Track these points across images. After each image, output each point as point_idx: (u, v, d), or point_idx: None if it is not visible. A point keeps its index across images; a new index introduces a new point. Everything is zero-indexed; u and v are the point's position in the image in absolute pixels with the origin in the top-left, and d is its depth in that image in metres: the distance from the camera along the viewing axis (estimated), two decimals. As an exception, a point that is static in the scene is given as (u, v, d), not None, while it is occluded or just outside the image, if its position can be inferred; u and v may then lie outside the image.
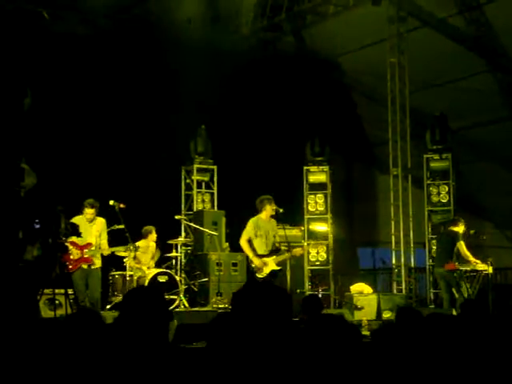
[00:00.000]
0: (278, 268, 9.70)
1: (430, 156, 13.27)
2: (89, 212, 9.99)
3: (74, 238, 9.77)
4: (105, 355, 2.90)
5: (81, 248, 9.95)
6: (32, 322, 6.82)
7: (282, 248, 9.87)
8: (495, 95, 13.21)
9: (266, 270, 9.59)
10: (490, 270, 10.69)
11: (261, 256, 9.65)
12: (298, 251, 10.05)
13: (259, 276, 9.58)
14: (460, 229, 10.89)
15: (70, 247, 9.87)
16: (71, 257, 9.88)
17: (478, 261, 10.60)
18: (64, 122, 11.88)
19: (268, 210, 9.70)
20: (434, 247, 12.65)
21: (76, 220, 9.95)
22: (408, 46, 13.25)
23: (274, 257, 9.67)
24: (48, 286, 9.18)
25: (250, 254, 9.65)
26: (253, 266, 9.69)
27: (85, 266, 9.99)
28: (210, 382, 2.63)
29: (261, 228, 9.72)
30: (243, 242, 9.76)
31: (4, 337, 3.66)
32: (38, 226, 8.43)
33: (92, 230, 10.08)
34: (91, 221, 10.05)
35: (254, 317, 2.77)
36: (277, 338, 2.76)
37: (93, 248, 10.03)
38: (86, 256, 9.99)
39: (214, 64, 12.79)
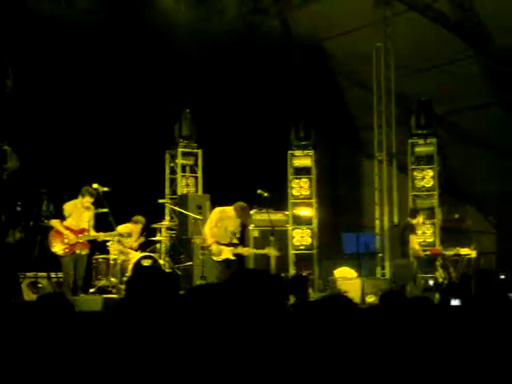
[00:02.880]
0: (233, 258, 9.77)
1: (415, 141, 13.28)
2: (89, 200, 9.98)
3: (67, 223, 9.76)
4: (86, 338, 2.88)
5: (76, 233, 9.92)
6: (14, 305, 6.78)
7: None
8: (480, 80, 13.21)
9: (222, 256, 9.71)
10: (474, 254, 10.78)
11: (219, 243, 9.78)
12: (272, 251, 10.15)
13: (215, 259, 9.73)
14: (417, 220, 10.96)
15: (66, 232, 9.83)
16: (66, 241, 9.84)
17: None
18: (47, 104, 11.76)
19: (238, 214, 9.73)
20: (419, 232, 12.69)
21: (70, 204, 9.93)
22: (394, 31, 13.22)
23: (232, 248, 9.78)
24: (31, 269, 9.13)
25: (210, 241, 9.79)
26: (210, 249, 9.84)
27: (78, 251, 9.98)
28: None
29: (221, 220, 9.82)
30: (206, 230, 9.91)
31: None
32: (19, 209, 8.38)
33: (84, 216, 10.06)
34: (87, 208, 10.04)
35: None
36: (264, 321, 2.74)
37: (86, 233, 10.01)
38: (81, 241, 9.98)
39: (199, 46, 12.70)
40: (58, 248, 9.81)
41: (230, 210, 9.83)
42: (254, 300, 2.84)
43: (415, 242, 10.79)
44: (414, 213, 11.10)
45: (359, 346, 2.89)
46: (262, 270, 3.15)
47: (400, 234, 11.16)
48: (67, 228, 9.88)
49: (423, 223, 11.15)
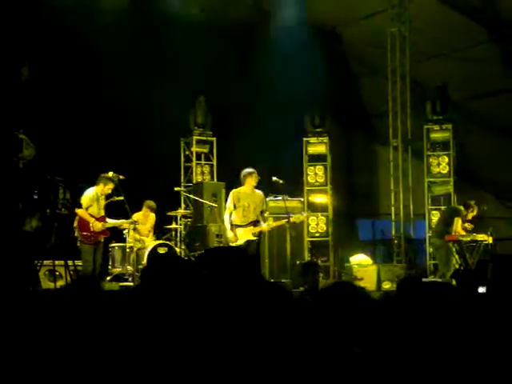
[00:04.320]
0: (255, 238, 9.76)
1: (431, 127, 13.21)
2: (111, 187, 10.04)
3: (90, 211, 9.86)
4: (107, 322, 2.89)
5: (100, 220, 10.00)
6: (32, 293, 6.82)
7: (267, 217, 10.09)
8: (497, 66, 13.10)
9: (241, 241, 9.68)
10: (490, 240, 10.74)
11: (238, 226, 9.76)
12: (296, 218, 10.12)
13: (232, 246, 9.68)
14: (468, 212, 10.97)
15: (93, 220, 9.90)
16: (92, 229, 9.91)
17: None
18: (63, 92, 11.79)
19: (249, 182, 9.79)
20: (434, 218, 12.68)
21: (91, 193, 10.00)
22: (409, 16, 13.12)
23: (251, 227, 9.72)
24: (48, 257, 9.18)
25: (225, 226, 9.88)
26: (225, 236, 9.94)
27: (101, 239, 10.07)
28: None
29: (240, 200, 9.80)
30: (224, 216, 9.96)
31: (4, 307, 3.65)
32: (36, 197, 8.42)
33: (102, 204, 10.13)
34: (106, 195, 10.12)
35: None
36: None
37: (107, 221, 10.11)
38: (104, 229, 10.07)
39: (214, 34, 12.67)
40: (85, 235, 9.90)
41: (244, 187, 9.83)
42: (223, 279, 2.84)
43: (460, 225, 10.84)
44: (468, 207, 11.11)
45: (366, 335, 2.87)
46: (234, 249, 3.16)
47: (446, 216, 11.20)
48: (92, 216, 9.98)
49: (472, 219, 11.17)
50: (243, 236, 9.71)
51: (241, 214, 9.79)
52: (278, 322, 2.72)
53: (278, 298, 2.89)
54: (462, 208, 11.16)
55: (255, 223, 9.79)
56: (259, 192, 9.94)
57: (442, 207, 12.72)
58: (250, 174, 9.81)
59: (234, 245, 9.67)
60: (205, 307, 2.74)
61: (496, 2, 12.40)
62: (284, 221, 10.04)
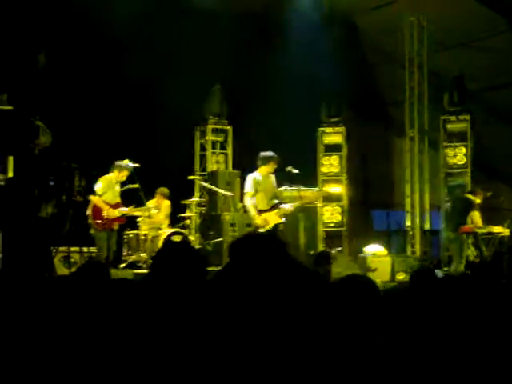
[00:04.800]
0: (281, 221, 9.62)
1: (447, 117, 13.13)
2: (126, 174, 10.07)
3: (104, 198, 9.88)
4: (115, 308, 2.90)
5: (114, 208, 10.03)
6: (47, 279, 6.87)
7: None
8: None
9: (269, 225, 9.50)
10: (507, 232, 10.68)
11: (262, 211, 9.56)
12: (307, 198, 10.06)
13: (263, 231, 9.42)
14: (477, 199, 10.88)
15: (107, 207, 9.93)
16: (106, 216, 9.93)
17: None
18: (79, 80, 11.80)
19: (271, 167, 9.60)
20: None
21: (106, 180, 10.02)
22: (427, 5, 13.00)
23: (276, 210, 9.60)
24: (63, 243, 9.23)
25: (253, 212, 9.54)
26: (253, 223, 9.61)
27: (116, 227, 10.10)
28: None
29: (260, 184, 9.60)
30: (246, 202, 9.67)
31: (19, 293, 3.67)
32: (52, 184, 8.46)
33: (117, 191, 10.17)
34: (121, 182, 10.15)
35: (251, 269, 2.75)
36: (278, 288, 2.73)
37: (121, 208, 10.13)
38: (118, 215, 10.10)
39: (229, 22, 12.63)
40: (99, 223, 9.93)
41: (261, 170, 9.63)
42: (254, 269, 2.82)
43: (479, 217, 10.78)
44: (475, 192, 11.03)
45: (374, 329, 2.85)
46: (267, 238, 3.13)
47: (459, 208, 11.14)
48: (106, 203, 10.00)
49: (485, 195, 11.08)
50: (271, 220, 9.53)
51: (264, 198, 9.59)
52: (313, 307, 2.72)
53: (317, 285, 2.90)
54: (473, 198, 10.99)
55: (278, 205, 9.63)
56: (272, 175, 9.83)
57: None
58: (273, 158, 9.57)
59: (263, 230, 9.40)
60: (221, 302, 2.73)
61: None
62: (300, 202, 9.78)
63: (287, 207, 9.66)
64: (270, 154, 9.66)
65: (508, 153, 13.59)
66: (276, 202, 9.69)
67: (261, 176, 9.66)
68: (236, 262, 2.87)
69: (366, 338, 2.71)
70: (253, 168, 9.89)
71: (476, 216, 10.80)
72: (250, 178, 9.65)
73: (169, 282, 2.87)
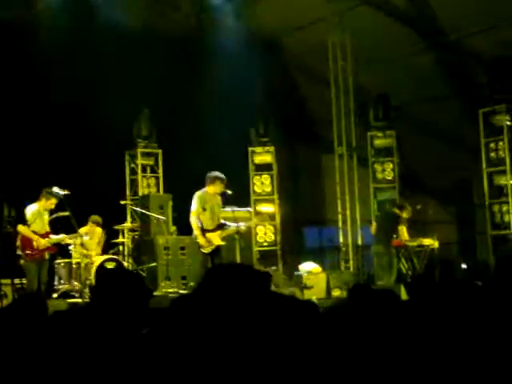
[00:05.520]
0: (223, 243, 9.63)
1: (374, 133, 13.40)
2: (54, 202, 9.82)
3: (33, 227, 9.63)
4: (52, 340, 2.82)
5: (43, 237, 9.77)
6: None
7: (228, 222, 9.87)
8: (436, 73, 13.36)
9: (211, 246, 9.48)
10: (436, 244, 10.93)
11: (207, 231, 9.52)
12: (242, 227, 9.99)
13: (204, 251, 9.47)
14: (404, 214, 11.08)
15: (36, 237, 9.67)
16: (35, 246, 9.67)
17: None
18: (4, 108, 11.55)
19: (217, 187, 9.59)
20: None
21: (34, 209, 9.77)
22: (349, 24, 13.27)
23: (219, 232, 9.60)
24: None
25: (197, 232, 9.48)
26: (197, 241, 9.54)
27: (47, 256, 9.85)
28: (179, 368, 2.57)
29: (207, 202, 9.57)
30: (192, 219, 9.56)
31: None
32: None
33: (46, 219, 9.92)
34: (49, 211, 9.91)
35: (217, 300, 2.71)
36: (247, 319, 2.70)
37: (51, 237, 9.89)
38: (48, 245, 9.85)
39: (153, 45, 12.60)
40: (28, 254, 9.66)
41: (208, 189, 9.58)
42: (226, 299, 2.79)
43: (405, 231, 10.96)
44: (402, 208, 11.21)
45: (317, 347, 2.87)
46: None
47: (387, 222, 11.29)
48: (35, 233, 9.73)
49: (414, 208, 11.29)
50: (213, 241, 9.50)
51: (209, 218, 9.55)
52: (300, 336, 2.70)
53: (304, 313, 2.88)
54: (398, 212, 11.20)
55: (222, 226, 9.65)
56: (218, 196, 9.78)
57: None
58: (222, 179, 9.56)
59: (204, 251, 9.42)
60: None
61: (430, 12, 12.64)
62: (235, 229, 9.82)
63: (230, 229, 9.67)
64: (215, 174, 9.66)
65: (432, 166, 13.97)
66: (222, 222, 9.69)
67: (208, 194, 9.63)
68: (205, 290, 2.83)
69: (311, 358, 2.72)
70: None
71: (403, 230, 11.02)
72: (197, 196, 9.61)
73: (111, 309, 2.82)
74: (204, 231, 9.50)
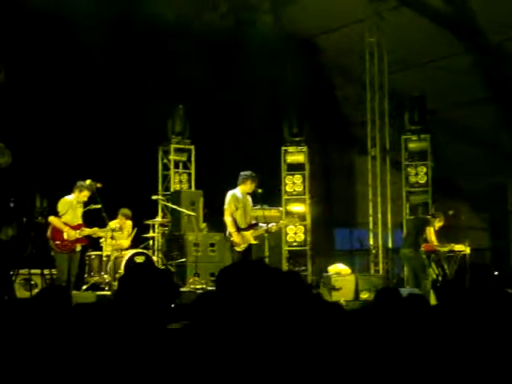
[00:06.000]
0: (256, 242, 9.69)
1: (408, 137, 13.28)
2: (87, 195, 9.91)
3: (64, 219, 9.71)
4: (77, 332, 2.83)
5: (75, 229, 9.85)
6: (6, 302, 6.72)
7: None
8: (473, 76, 13.21)
9: (245, 244, 9.55)
10: (468, 250, 10.80)
11: (241, 229, 9.58)
12: (273, 227, 10.01)
13: (238, 250, 9.55)
14: (435, 222, 10.99)
15: (66, 228, 9.76)
16: (66, 237, 9.75)
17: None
18: (40, 100, 11.68)
19: (248, 186, 9.64)
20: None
21: (66, 201, 9.86)
22: (387, 26, 13.19)
23: (252, 231, 9.64)
24: (23, 265, 9.07)
25: (232, 229, 9.55)
26: (232, 239, 9.61)
27: (78, 248, 9.93)
28: (198, 363, 2.57)
29: (239, 201, 9.64)
30: (227, 218, 9.62)
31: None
32: (12, 205, 8.32)
33: (79, 212, 10.00)
34: (83, 203, 10.00)
35: (238, 296, 2.70)
36: (267, 319, 2.69)
37: (83, 229, 9.97)
38: (79, 237, 9.93)
39: (191, 43, 12.64)
40: (58, 244, 9.75)
41: (240, 188, 9.65)
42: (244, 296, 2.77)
43: (433, 234, 10.87)
44: (435, 216, 11.15)
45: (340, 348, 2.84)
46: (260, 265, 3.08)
47: (417, 226, 11.21)
48: (66, 224, 9.82)
49: (447, 213, 11.21)
50: (247, 240, 9.58)
51: (242, 217, 9.63)
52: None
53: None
54: (430, 217, 11.17)
55: (254, 226, 9.70)
56: (248, 195, 9.82)
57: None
58: (254, 178, 9.64)
59: (239, 249, 9.50)
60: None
61: (470, 14, 12.51)
62: (266, 228, 9.84)
63: (262, 228, 9.70)
64: (247, 173, 9.74)
65: (467, 171, 13.80)
66: (253, 221, 9.73)
67: (240, 194, 9.67)
68: (223, 289, 2.82)
69: (333, 358, 2.70)
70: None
71: (430, 232, 10.90)
72: (230, 195, 9.69)
73: (136, 304, 2.82)
74: (239, 229, 9.57)
